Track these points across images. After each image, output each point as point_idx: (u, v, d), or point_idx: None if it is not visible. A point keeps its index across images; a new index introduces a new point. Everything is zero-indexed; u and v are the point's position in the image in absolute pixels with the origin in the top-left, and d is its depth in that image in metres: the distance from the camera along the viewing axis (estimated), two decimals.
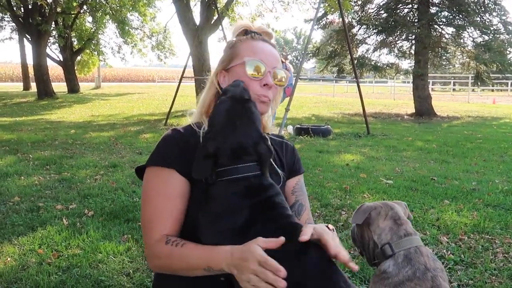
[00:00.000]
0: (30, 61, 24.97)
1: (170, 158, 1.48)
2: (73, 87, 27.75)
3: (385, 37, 16.86)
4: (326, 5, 13.94)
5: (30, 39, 23.21)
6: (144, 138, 9.39)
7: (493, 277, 3.09)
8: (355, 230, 1.89)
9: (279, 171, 1.63)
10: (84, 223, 4.02)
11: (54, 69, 38.57)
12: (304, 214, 1.70)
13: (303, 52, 11.94)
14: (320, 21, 16.89)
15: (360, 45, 17.37)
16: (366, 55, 17.15)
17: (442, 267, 1.66)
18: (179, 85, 12.91)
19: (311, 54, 19.92)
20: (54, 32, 25.72)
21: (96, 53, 29.95)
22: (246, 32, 1.64)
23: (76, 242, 3.58)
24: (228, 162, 1.35)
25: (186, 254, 1.38)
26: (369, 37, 17.19)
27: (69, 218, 4.14)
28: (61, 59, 27.88)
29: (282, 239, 1.21)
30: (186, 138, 1.53)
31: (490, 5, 15.85)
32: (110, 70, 52.13)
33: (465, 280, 3.02)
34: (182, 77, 12.97)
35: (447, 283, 1.62)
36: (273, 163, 1.62)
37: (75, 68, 29.42)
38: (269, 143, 1.46)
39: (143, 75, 59.89)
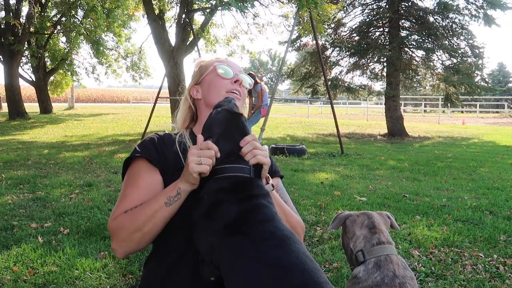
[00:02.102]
0: (1, 81, 24.67)
1: (142, 150, 1.63)
2: (45, 107, 27.37)
3: (357, 59, 17.23)
4: (300, 28, 14.22)
5: (2, 59, 22.89)
6: (119, 157, 9.34)
7: None
8: (341, 236, 1.99)
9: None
10: (60, 240, 4.01)
11: (26, 89, 38.08)
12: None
13: (277, 73, 12.13)
14: (295, 44, 17.18)
15: (333, 67, 17.69)
16: (340, 77, 17.47)
17: (413, 276, 1.74)
18: (154, 105, 12.93)
19: (285, 76, 20.24)
20: (26, 52, 25.43)
21: (69, 73, 29.61)
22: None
23: (52, 259, 3.56)
24: (220, 163, 1.44)
25: (145, 204, 1.51)
26: (342, 59, 17.54)
27: (44, 236, 4.11)
28: (34, 79, 27.52)
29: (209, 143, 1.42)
30: (163, 138, 1.70)
31: (457, 29, 16.39)
32: (83, 91, 51.73)
33: None
34: (157, 97, 12.99)
35: None
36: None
37: (48, 88, 29.05)
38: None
39: (117, 96, 59.52)
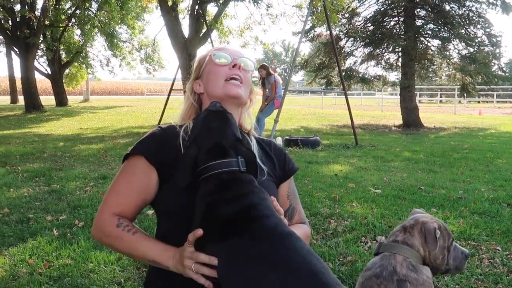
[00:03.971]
0: (17, 74, 24.86)
1: (141, 148, 1.58)
2: (61, 100, 27.62)
3: (372, 50, 17.05)
4: (314, 18, 14.11)
5: (18, 52, 23.12)
6: None
7: (479, 282, 3.15)
8: None
9: (263, 166, 1.68)
10: (75, 233, 4.03)
11: (42, 82, 38.44)
12: (295, 216, 1.76)
13: (291, 64, 12.07)
14: (308, 34, 17.05)
15: (347, 57, 17.53)
16: (354, 67, 17.31)
17: (421, 281, 1.76)
18: (168, 98, 12.95)
19: (299, 67, 20.07)
20: (42, 45, 25.64)
21: (84, 66, 29.87)
22: None
23: (67, 252, 3.59)
24: (203, 163, 1.37)
25: (135, 242, 1.47)
26: (356, 49, 17.38)
27: (59, 229, 4.14)
28: (49, 72, 27.78)
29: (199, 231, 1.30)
30: (166, 132, 1.63)
31: (474, 17, 16.12)
32: (98, 83, 52.04)
33: (451, 285, 3.08)
34: (171, 89, 13.01)
35: None
36: (258, 160, 1.66)
37: (63, 81, 29.31)
38: (250, 144, 1.59)
39: (131, 88, 59.82)
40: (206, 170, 1.35)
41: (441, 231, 1.88)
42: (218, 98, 1.61)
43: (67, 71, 30.16)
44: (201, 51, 16.02)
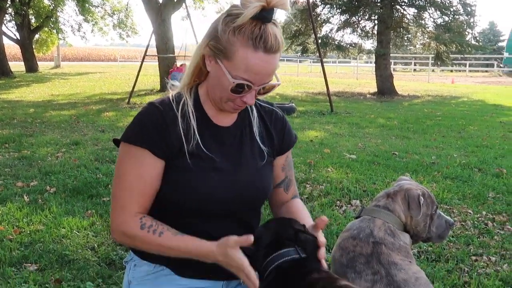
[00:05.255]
0: None
1: (143, 137, 1.44)
2: (31, 66, 26.84)
3: (348, 17, 16.95)
4: None
5: None
6: (106, 116, 9.22)
7: (451, 244, 3.22)
8: None
9: (264, 147, 1.61)
10: (46, 199, 3.95)
11: (11, 48, 37.20)
12: (291, 188, 1.72)
13: None
14: None
15: (324, 24, 17.40)
16: (330, 35, 17.22)
17: (397, 245, 1.77)
18: (141, 64, 12.70)
19: None
20: (10, 10, 24.73)
21: (55, 31, 28.98)
22: (254, 17, 1.36)
23: (38, 218, 3.52)
24: (263, 260, 1.34)
25: (165, 244, 1.40)
26: (333, 16, 17.25)
27: (30, 195, 4.05)
28: (18, 38, 26.87)
29: (250, 238, 1.28)
30: (164, 115, 1.46)
31: None
32: (70, 49, 50.66)
33: (424, 247, 3.13)
34: (145, 55, 12.75)
35: (397, 256, 1.71)
36: (258, 138, 1.61)
37: (33, 46, 28.43)
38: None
39: (104, 55, 58.50)
40: (267, 265, 1.31)
41: (425, 198, 1.87)
42: (214, 101, 1.50)
43: (37, 36, 29.22)
44: (176, 17, 15.65)
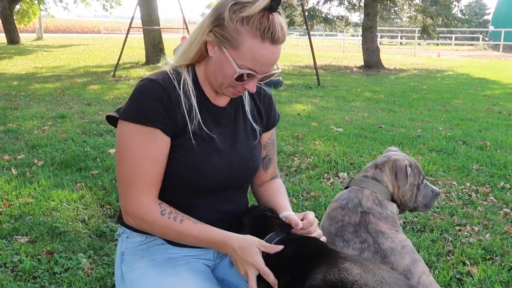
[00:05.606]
0: None
1: (153, 116, 1.40)
2: (12, 38, 26.29)
3: None
4: None
5: None
6: (92, 89, 9.13)
7: (436, 214, 3.29)
8: None
9: (256, 126, 1.63)
10: (34, 172, 3.94)
11: None
12: (271, 167, 1.75)
13: None
14: None
15: None
16: (317, 7, 17.09)
17: (385, 215, 1.81)
18: (126, 36, 12.51)
19: None
20: None
21: (36, 1, 28.34)
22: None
23: (27, 191, 3.51)
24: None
25: (185, 232, 1.42)
26: None
27: (18, 168, 4.03)
28: None
29: (279, 247, 1.38)
30: (168, 93, 1.43)
31: None
32: (52, 21, 49.73)
33: (410, 218, 3.20)
34: (129, 28, 12.55)
35: (384, 225, 1.76)
36: (250, 117, 1.62)
37: (14, 18, 27.78)
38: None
39: (87, 27, 57.49)
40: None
41: (412, 169, 1.90)
42: (213, 85, 1.50)
43: (17, 7, 28.54)
44: None
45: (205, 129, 1.48)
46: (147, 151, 1.41)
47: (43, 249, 2.63)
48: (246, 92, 1.62)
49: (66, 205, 3.30)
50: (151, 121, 1.39)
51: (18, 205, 3.27)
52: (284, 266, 1.37)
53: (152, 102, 1.41)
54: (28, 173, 3.92)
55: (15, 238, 2.77)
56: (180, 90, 1.46)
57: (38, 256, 2.54)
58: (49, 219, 3.05)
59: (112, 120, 1.50)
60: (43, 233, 2.84)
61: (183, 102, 1.45)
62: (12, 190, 3.52)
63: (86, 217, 3.11)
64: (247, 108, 1.61)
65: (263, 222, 1.53)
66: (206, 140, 1.48)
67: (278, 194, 1.69)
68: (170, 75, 1.47)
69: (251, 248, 1.37)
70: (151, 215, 1.42)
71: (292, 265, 1.37)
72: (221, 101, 1.57)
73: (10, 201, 3.33)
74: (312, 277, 1.27)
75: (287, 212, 1.58)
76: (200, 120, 1.47)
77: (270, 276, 1.36)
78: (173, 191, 1.51)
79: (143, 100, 1.41)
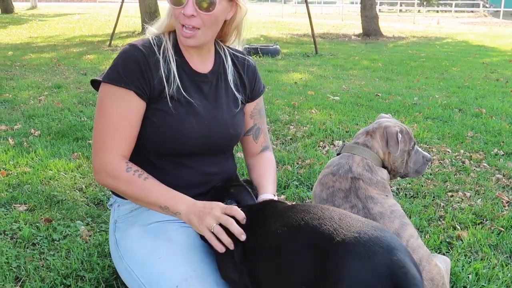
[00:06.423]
0: None
1: (129, 79, 1.45)
2: (6, 7, 25.89)
3: None
4: None
5: None
6: (88, 59, 9.07)
7: (429, 181, 3.33)
8: None
9: (238, 95, 1.66)
10: (31, 142, 3.96)
11: None
12: (260, 137, 1.78)
13: None
14: None
15: None
16: None
17: (375, 181, 1.84)
18: (121, 5, 12.35)
19: None
20: None
21: None
22: None
23: (25, 161, 3.54)
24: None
25: (147, 188, 1.45)
26: None
27: (15, 138, 4.05)
28: None
29: (241, 214, 1.38)
30: (147, 57, 1.48)
31: None
32: None
33: (403, 184, 3.25)
34: None
35: (374, 190, 1.79)
36: (232, 85, 1.65)
37: None
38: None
39: None
40: None
41: (403, 135, 1.93)
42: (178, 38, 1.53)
43: None
44: None
45: (184, 93, 1.52)
46: (119, 110, 1.46)
47: (42, 217, 2.67)
48: (230, 61, 1.65)
49: (64, 174, 3.33)
50: (126, 83, 1.45)
51: (16, 174, 3.30)
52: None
53: (130, 66, 1.46)
54: (25, 143, 3.95)
55: (14, 206, 2.81)
56: (160, 55, 1.50)
57: (37, 224, 2.59)
58: (47, 188, 3.09)
59: (96, 85, 1.56)
60: (41, 201, 2.88)
61: (162, 66, 1.49)
62: (10, 160, 3.55)
63: (83, 186, 3.14)
64: (230, 77, 1.64)
65: (223, 191, 1.57)
66: (185, 104, 1.52)
67: (265, 172, 1.74)
68: (152, 41, 1.53)
69: (210, 203, 1.41)
70: (117, 171, 1.47)
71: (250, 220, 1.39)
72: (202, 68, 1.59)
73: (8, 171, 3.37)
74: (268, 225, 1.31)
75: (265, 195, 1.63)
76: (179, 84, 1.50)
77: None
78: (157, 154, 1.56)
79: (122, 64, 1.47)
